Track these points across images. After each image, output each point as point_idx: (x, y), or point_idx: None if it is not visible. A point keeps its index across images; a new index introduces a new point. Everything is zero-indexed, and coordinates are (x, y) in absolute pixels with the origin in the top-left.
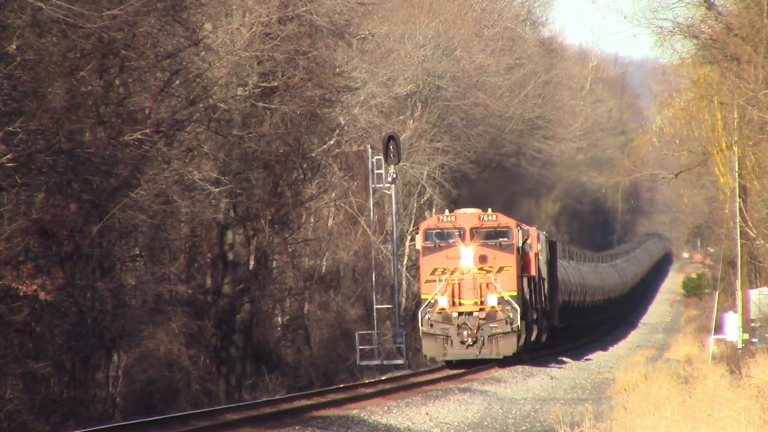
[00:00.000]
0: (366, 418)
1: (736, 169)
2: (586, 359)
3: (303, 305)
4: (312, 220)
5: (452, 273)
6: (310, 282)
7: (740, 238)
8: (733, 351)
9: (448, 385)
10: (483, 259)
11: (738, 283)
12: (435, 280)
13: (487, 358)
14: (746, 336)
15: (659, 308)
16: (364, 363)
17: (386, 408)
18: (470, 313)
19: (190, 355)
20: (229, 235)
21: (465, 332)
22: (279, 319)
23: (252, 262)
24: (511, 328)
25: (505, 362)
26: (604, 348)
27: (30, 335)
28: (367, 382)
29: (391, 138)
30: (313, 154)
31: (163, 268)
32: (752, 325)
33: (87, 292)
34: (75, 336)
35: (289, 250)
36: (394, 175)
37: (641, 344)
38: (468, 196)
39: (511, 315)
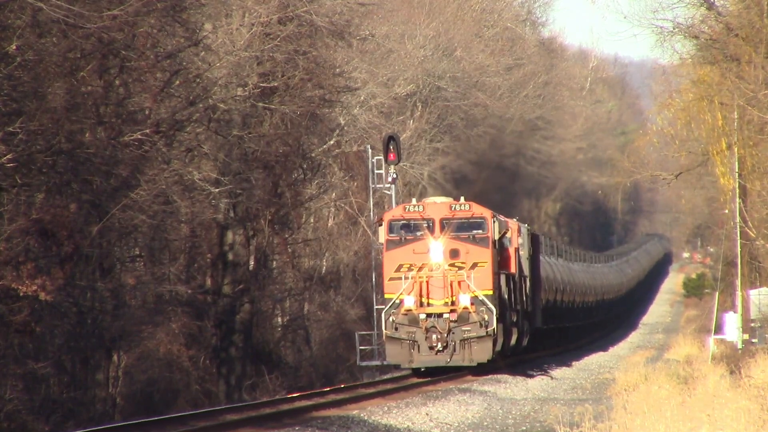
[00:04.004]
0: (366, 418)
1: (736, 170)
2: (586, 359)
3: (303, 306)
4: (312, 220)
5: (420, 269)
6: (310, 282)
7: (740, 238)
8: (733, 351)
9: (448, 386)
10: (454, 253)
11: (738, 283)
12: (400, 278)
13: (458, 366)
14: (746, 336)
15: (659, 308)
16: (364, 363)
17: (386, 408)
18: (440, 315)
19: (190, 355)
20: (229, 235)
21: (434, 336)
22: (279, 319)
23: (252, 263)
24: (486, 332)
25: (480, 370)
26: (604, 348)
27: (30, 335)
28: (367, 382)
29: (391, 138)
30: (313, 155)
31: (163, 269)
32: (752, 325)
33: (87, 292)
34: (75, 336)
35: (289, 250)
36: (395, 176)
37: (641, 344)
38: (468, 196)
39: (486, 317)
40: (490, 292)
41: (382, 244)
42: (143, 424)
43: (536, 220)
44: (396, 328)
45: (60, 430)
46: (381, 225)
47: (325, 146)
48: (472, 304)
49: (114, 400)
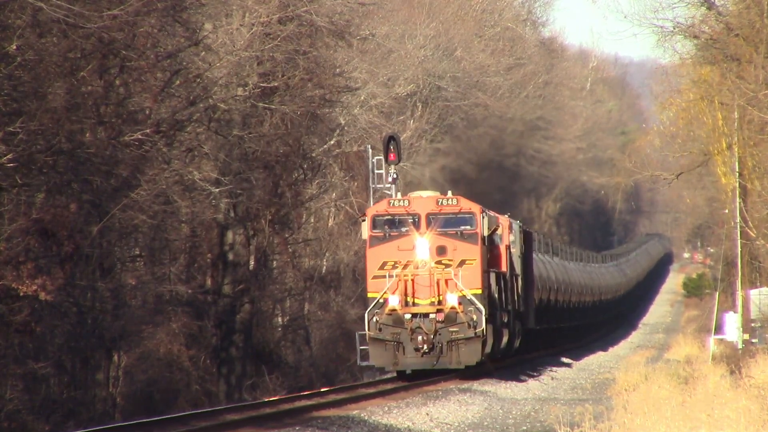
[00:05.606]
0: (366, 418)
1: (737, 170)
2: (586, 359)
3: (303, 305)
4: (312, 220)
5: (405, 267)
6: (311, 282)
7: (740, 238)
8: (733, 351)
9: (448, 386)
10: (441, 250)
11: (738, 283)
12: (384, 276)
13: (446, 369)
14: (746, 336)
15: (660, 308)
16: (364, 363)
17: (386, 408)
18: (426, 315)
19: (190, 355)
20: (229, 235)
21: (420, 338)
22: (279, 319)
23: (252, 263)
24: (475, 333)
25: (469, 374)
26: (605, 348)
27: (30, 335)
28: (367, 382)
29: (392, 138)
30: (313, 155)
31: (163, 269)
32: (752, 325)
33: (87, 292)
34: (75, 336)
35: (290, 250)
36: (395, 176)
37: (641, 344)
38: (468, 195)
39: (474, 317)
40: (479, 291)
41: (366, 241)
42: (144, 424)
43: (536, 220)
44: (380, 329)
45: (60, 430)
46: (364, 220)
47: (325, 146)
48: (459, 303)
49: (114, 400)
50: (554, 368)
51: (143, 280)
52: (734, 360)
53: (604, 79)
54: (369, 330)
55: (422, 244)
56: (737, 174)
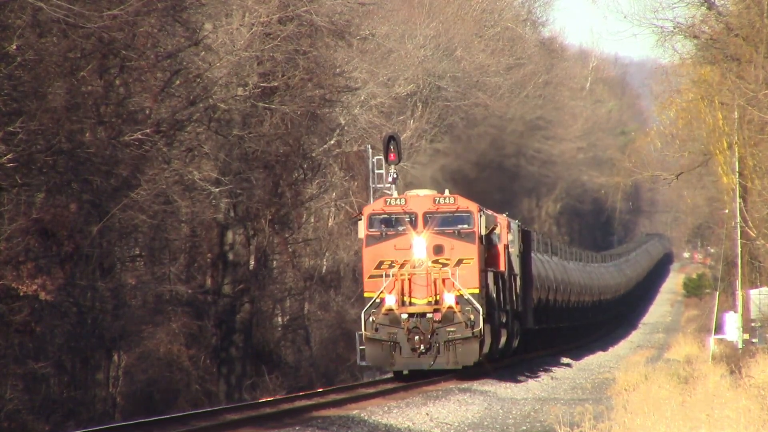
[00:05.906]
0: (366, 418)
1: (737, 169)
2: (586, 359)
3: (303, 305)
4: (312, 220)
5: (401, 266)
6: (311, 282)
7: (741, 238)
8: (733, 351)
9: (448, 386)
10: (438, 249)
11: (738, 283)
12: (381, 275)
13: (443, 369)
14: (746, 336)
15: (660, 308)
16: (364, 363)
17: (386, 408)
18: (423, 315)
19: (190, 355)
20: (229, 235)
21: (416, 337)
22: (279, 319)
23: (252, 262)
24: (472, 333)
25: (468, 374)
26: (605, 348)
27: (30, 335)
28: (367, 382)
29: (392, 138)
30: (313, 154)
31: (163, 268)
32: (752, 325)
33: (87, 292)
34: (75, 336)
35: (290, 250)
36: (395, 176)
37: (641, 344)
38: (468, 195)
39: (472, 317)
40: (477, 291)
41: (362, 240)
42: (144, 424)
43: (536, 220)
44: (376, 329)
45: (60, 430)
46: (360, 219)
47: (325, 146)
48: (457, 303)
49: (114, 400)
50: (554, 368)
51: (143, 280)
52: (734, 360)
53: (604, 79)
54: (365, 330)
55: (419, 243)
56: (737, 174)
